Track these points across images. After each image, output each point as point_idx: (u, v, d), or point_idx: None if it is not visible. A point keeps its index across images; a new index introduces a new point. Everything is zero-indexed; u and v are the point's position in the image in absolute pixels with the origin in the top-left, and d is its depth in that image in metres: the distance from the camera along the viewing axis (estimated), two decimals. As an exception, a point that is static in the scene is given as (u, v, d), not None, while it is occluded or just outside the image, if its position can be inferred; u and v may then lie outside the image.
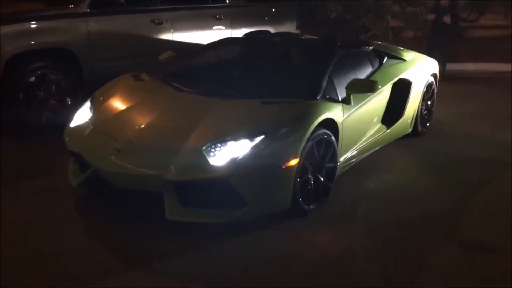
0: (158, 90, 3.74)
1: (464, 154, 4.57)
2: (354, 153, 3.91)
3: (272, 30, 6.49)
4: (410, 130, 4.78)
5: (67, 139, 3.46)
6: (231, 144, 2.97)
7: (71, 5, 4.90)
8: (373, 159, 4.22)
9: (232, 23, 6.30)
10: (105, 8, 5.02)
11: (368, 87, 3.69)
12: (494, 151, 4.66)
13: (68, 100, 4.84)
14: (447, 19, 7.35)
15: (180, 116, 3.37)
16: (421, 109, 4.89)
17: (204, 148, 2.96)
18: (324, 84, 3.62)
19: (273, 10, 6.96)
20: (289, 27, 7.12)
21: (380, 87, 3.84)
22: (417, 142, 4.84)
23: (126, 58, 5.25)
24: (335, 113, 3.47)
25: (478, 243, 3.13)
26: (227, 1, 6.33)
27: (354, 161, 3.93)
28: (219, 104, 3.40)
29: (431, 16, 7.66)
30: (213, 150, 2.95)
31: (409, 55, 5.03)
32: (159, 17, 5.49)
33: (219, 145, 2.97)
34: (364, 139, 4.02)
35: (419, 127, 4.91)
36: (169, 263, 2.80)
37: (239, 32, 6.23)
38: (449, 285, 2.69)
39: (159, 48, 5.53)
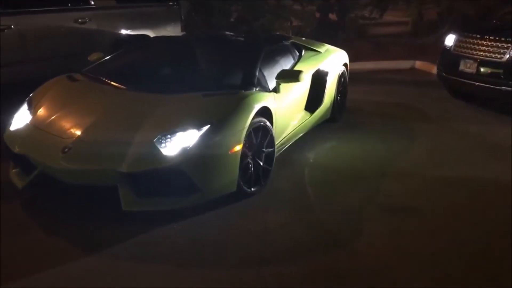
0: (97, 89, 3.83)
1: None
2: (286, 138, 4.17)
3: (152, 34, 5.87)
4: (329, 116, 5.12)
5: (9, 142, 3.44)
6: (180, 134, 3.15)
7: None
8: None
9: (100, 28, 5.58)
10: None
11: (295, 76, 4.02)
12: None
13: None
14: (333, 16, 7.23)
15: (125, 112, 3.48)
16: (337, 97, 5.21)
17: (155, 139, 3.12)
18: (256, 75, 3.91)
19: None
20: (172, 31, 6.52)
21: (304, 76, 4.09)
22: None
23: None
24: (269, 101, 3.73)
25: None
26: (92, 3, 5.58)
27: (285, 146, 4.21)
28: (162, 99, 3.56)
29: (317, 14, 7.52)
30: (163, 141, 3.12)
31: (323, 47, 5.36)
32: (1, 22, 4.64)
33: (169, 136, 3.14)
34: (292, 125, 4.30)
35: (337, 114, 5.24)
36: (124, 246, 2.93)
37: (109, 38, 5.55)
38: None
39: (4, 59, 4.77)
